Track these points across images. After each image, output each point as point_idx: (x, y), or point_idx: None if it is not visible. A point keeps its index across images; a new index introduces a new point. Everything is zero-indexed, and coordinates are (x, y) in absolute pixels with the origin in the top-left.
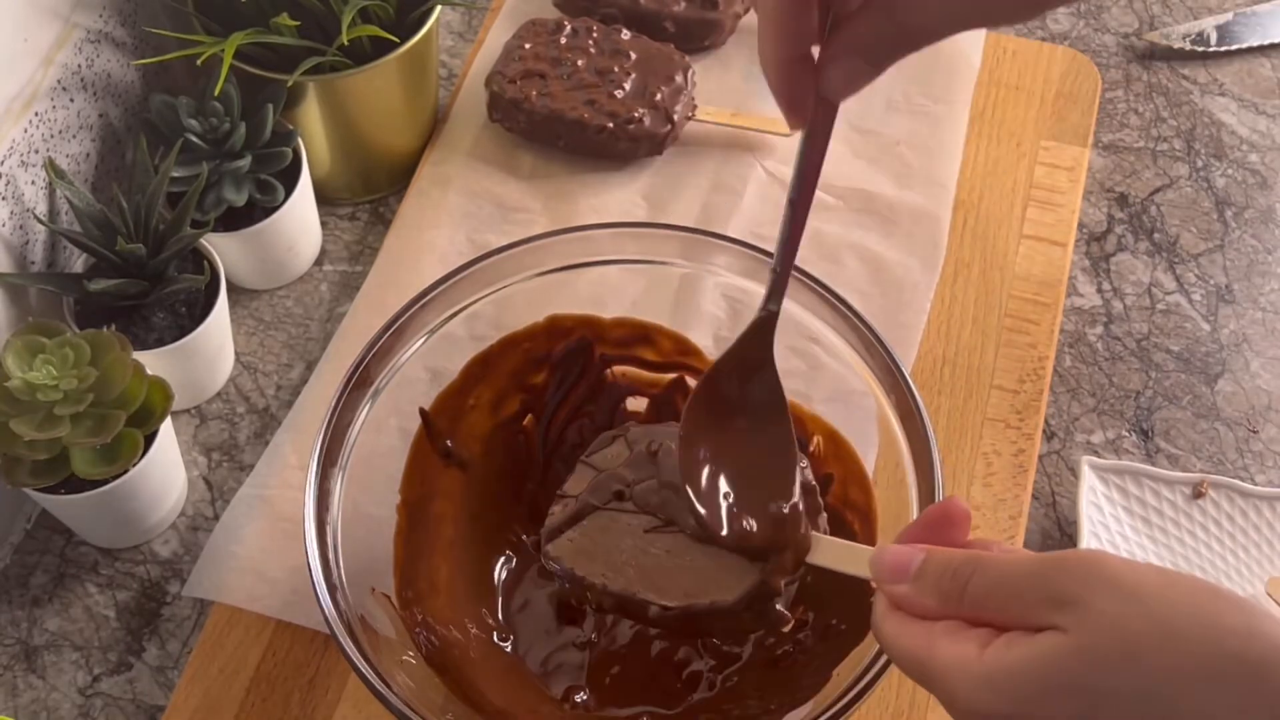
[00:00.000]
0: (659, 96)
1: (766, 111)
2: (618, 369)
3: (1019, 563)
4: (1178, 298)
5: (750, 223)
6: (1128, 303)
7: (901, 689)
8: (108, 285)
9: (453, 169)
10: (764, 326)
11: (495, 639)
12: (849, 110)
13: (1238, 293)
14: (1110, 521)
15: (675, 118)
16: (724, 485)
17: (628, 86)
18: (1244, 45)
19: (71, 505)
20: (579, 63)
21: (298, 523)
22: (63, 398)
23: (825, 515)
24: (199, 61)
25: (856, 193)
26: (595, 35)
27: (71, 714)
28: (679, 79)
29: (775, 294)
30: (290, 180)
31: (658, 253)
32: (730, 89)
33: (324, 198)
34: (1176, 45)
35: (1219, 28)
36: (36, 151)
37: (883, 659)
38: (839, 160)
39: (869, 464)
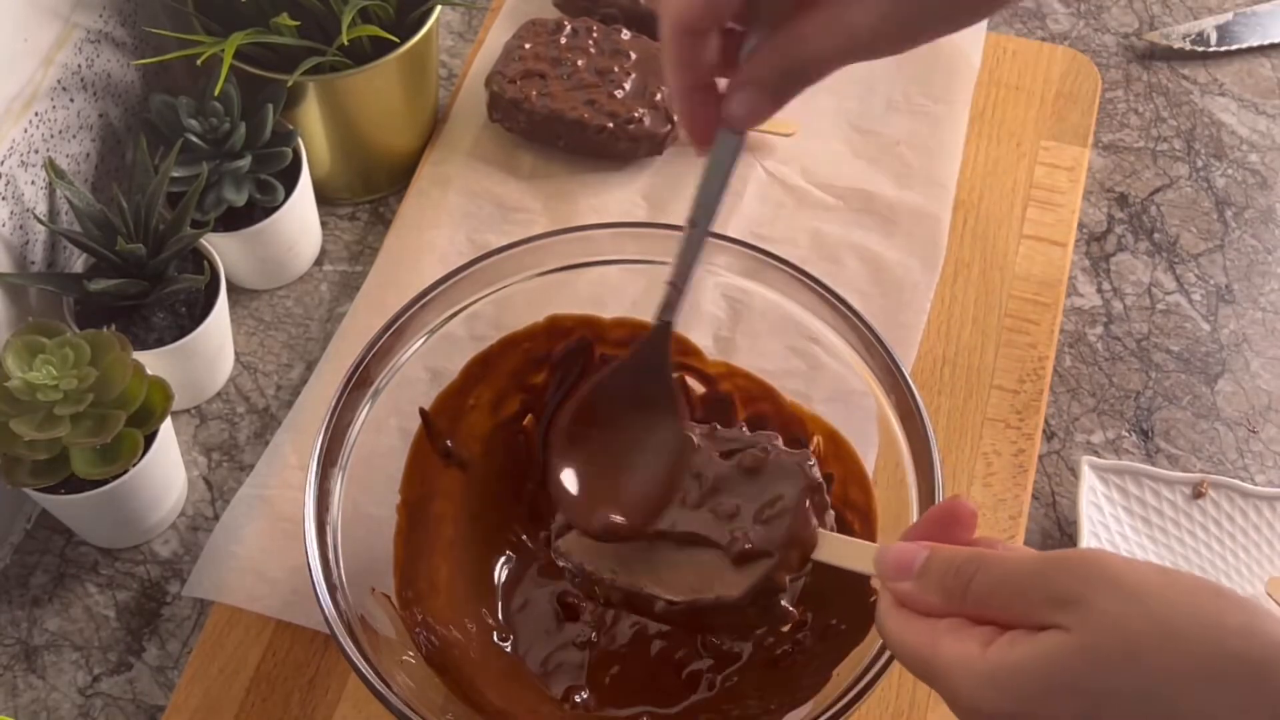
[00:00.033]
0: (659, 96)
1: None
2: None
3: (1022, 561)
4: (1178, 298)
5: (750, 223)
6: (1128, 303)
7: (901, 689)
8: (108, 285)
9: (453, 169)
10: (660, 336)
11: (495, 639)
12: (849, 110)
13: (1238, 293)
14: (1110, 521)
15: (675, 118)
16: (595, 482)
17: (628, 86)
18: (1244, 45)
19: (71, 505)
20: (579, 63)
21: (298, 523)
22: (63, 398)
23: (832, 512)
24: (199, 61)
25: (856, 193)
26: (595, 35)
27: (71, 714)
28: None
29: (668, 307)
30: (290, 180)
31: (658, 253)
32: None
33: (324, 198)
34: (1176, 45)
35: (1219, 28)
36: (36, 151)
37: (883, 659)
38: (839, 160)
39: (869, 464)
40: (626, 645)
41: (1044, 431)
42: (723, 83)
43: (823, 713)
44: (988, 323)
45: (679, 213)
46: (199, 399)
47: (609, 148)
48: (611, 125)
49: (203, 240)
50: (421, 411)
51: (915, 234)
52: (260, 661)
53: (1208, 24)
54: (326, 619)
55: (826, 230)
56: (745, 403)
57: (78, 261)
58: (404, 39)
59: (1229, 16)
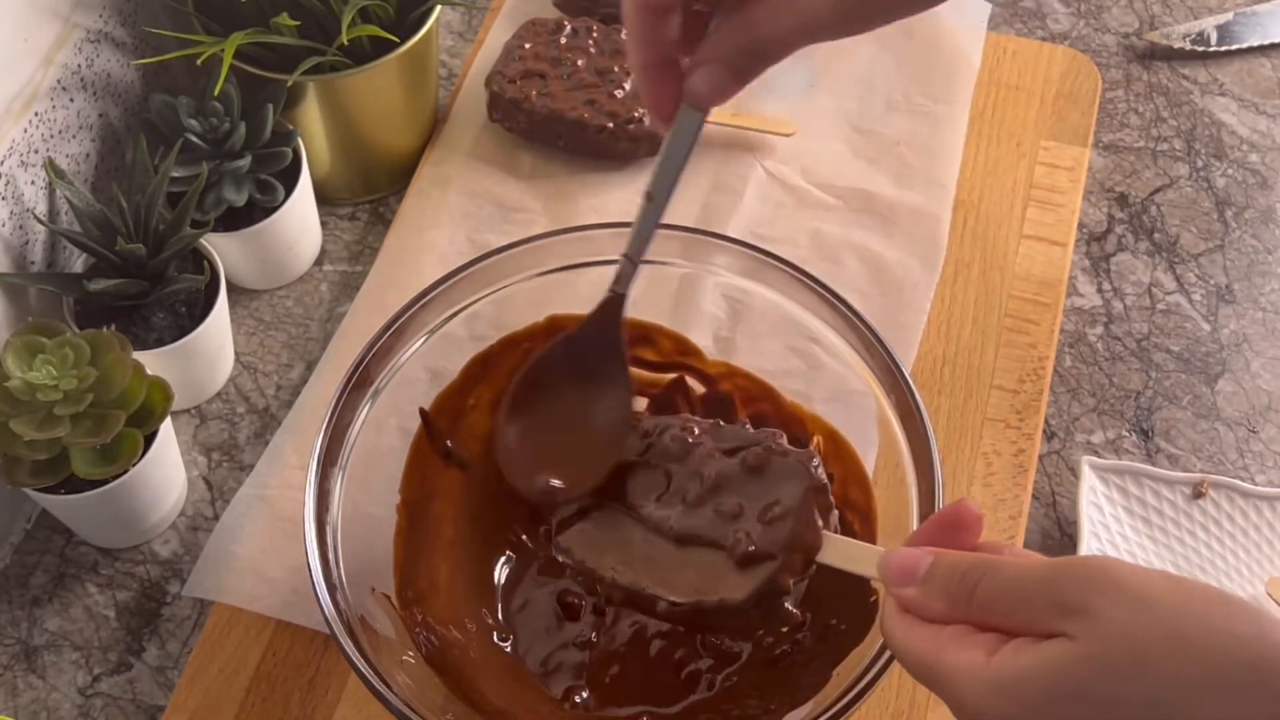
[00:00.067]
0: None
1: (766, 111)
2: None
3: (1028, 568)
4: (1178, 298)
5: (750, 223)
6: (1128, 303)
7: (901, 689)
8: (108, 285)
9: (453, 169)
10: (613, 306)
11: (495, 639)
12: (849, 110)
13: (1238, 293)
14: (1110, 521)
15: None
16: (538, 447)
17: (628, 86)
18: (1244, 45)
19: (71, 505)
20: (579, 63)
21: (298, 523)
22: (62, 398)
23: (836, 514)
24: (199, 61)
25: (856, 193)
26: (595, 35)
27: (71, 714)
28: None
29: (622, 279)
30: (290, 180)
31: (658, 253)
32: None
33: (324, 198)
34: (1176, 45)
35: (1219, 28)
36: (36, 151)
37: (883, 659)
38: (839, 160)
39: (869, 464)
40: (626, 645)
41: (1044, 431)
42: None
43: (823, 713)
44: (988, 323)
45: (679, 213)
46: (199, 399)
47: (609, 148)
48: (611, 125)
49: (203, 240)
50: (421, 411)
51: (915, 234)
52: (260, 661)
53: (1208, 24)
54: (326, 619)
55: (826, 230)
56: (745, 403)
57: (78, 261)
58: (404, 39)
59: (1229, 16)
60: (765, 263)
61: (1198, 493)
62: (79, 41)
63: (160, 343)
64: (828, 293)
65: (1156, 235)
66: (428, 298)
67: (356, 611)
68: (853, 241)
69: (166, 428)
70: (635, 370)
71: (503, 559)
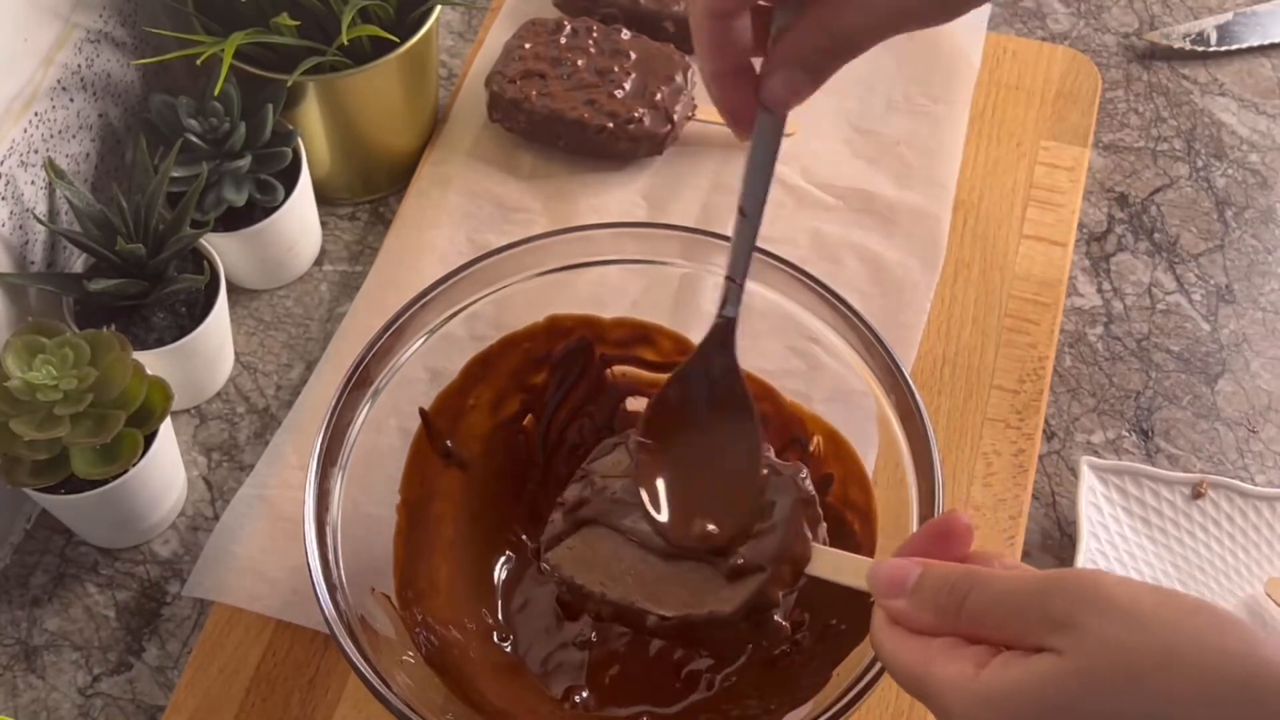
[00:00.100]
0: (659, 96)
1: None
2: (618, 369)
3: (1017, 580)
4: (1178, 298)
5: None
6: (1128, 303)
7: (901, 689)
8: (108, 285)
9: (453, 169)
10: (724, 331)
11: (495, 639)
12: (849, 110)
13: (1238, 293)
14: (1110, 522)
15: (675, 118)
16: (683, 492)
17: (628, 86)
18: (1244, 45)
19: (71, 505)
20: (579, 63)
21: (298, 523)
22: (62, 398)
23: (825, 525)
24: (199, 61)
25: (856, 193)
26: (595, 35)
27: (71, 714)
28: (679, 79)
29: (731, 300)
30: (290, 180)
31: (658, 253)
32: None
33: (324, 198)
34: (1176, 45)
35: (1219, 28)
36: (36, 151)
37: None
38: (839, 160)
39: (869, 464)
40: (626, 645)
41: (1044, 431)
42: (757, 62)
43: (823, 713)
44: (988, 323)
45: (679, 213)
46: (199, 399)
47: (609, 148)
48: (611, 125)
49: (202, 240)
50: (421, 411)
51: (915, 234)
52: (260, 661)
53: (1208, 24)
54: (326, 619)
55: (826, 230)
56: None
57: (78, 261)
58: (404, 39)
59: (1229, 16)
60: (765, 263)
61: (1197, 493)
62: (79, 41)
63: (160, 343)
64: (828, 293)
65: (1156, 235)
66: (428, 298)
67: (356, 611)
68: (853, 241)
69: (166, 428)
70: (634, 370)
71: (503, 559)
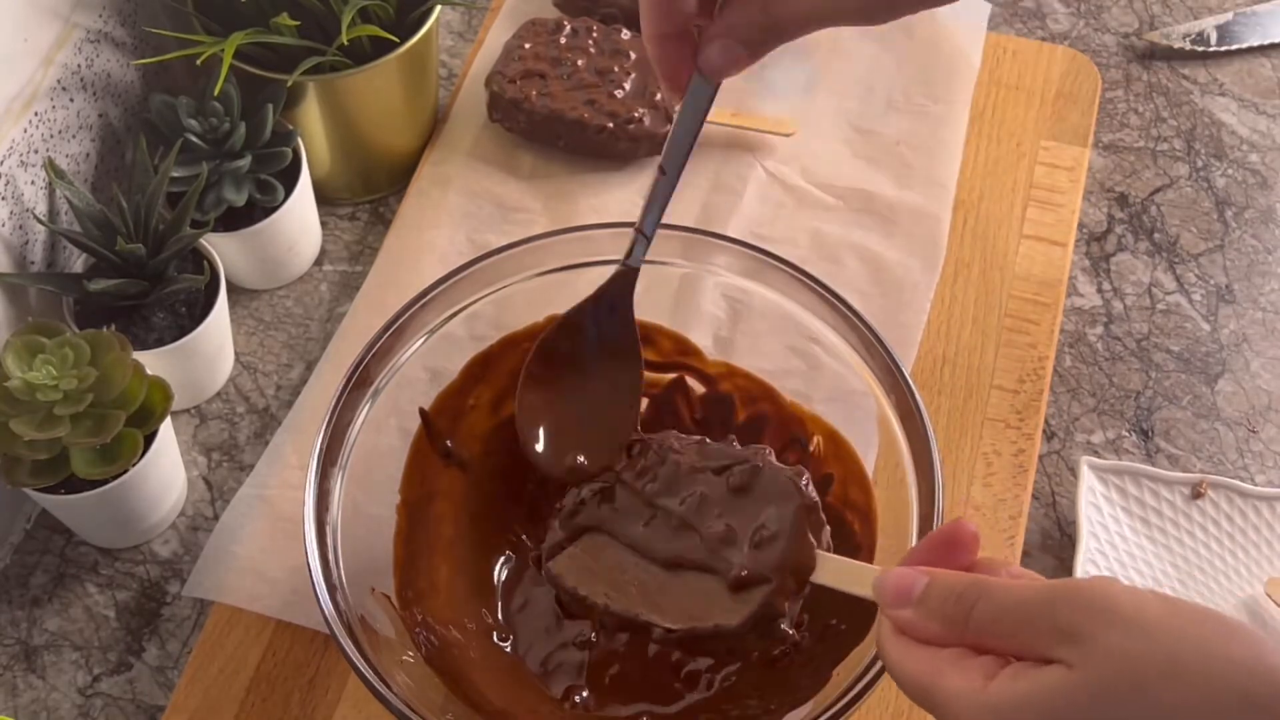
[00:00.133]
0: (659, 96)
1: (766, 111)
2: None
3: (1025, 590)
4: (1178, 298)
5: (750, 223)
6: (1128, 303)
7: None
8: (108, 285)
9: (453, 169)
10: (624, 279)
11: (495, 639)
12: (849, 110)
13: (1238, 293)
14: (1109, 522)
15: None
16: (561, 430)
17: (628, 86)
18: (1244, 45)
19: (71, 505)
20: (579, 63)
21: (298, 523)
22: (62, 398)
23: (828, 529)
24: (199, 61)
25: (856, 193)
26: (595, 35)
27: (71, 714)
28: None
29: (637, 251)
30: (290, 180)
31: (658, 253)
32: (730, 89)
33: (324, 198)
34: (1176, 45)
35: (1219, 28)
36: (36, 151)
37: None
38: (839, 160)
39: (869, 464)
40: (626, 645)
41: (1044, 431)
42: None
43: (823, 713)
44: (988, 323)
45: (679, 213)
46: (199, 399)
47: (609, 148)
48: (611, 125)
49: (202, 240)
50: (421, 411)
51: (915, 234)
52: (260, 661)
53: (1208, 24)
54: (326, 619)
55: (826, 230)
56: (745, 403)
57: (78, 261)
58: (404, 39)
59: (1229, 16)
60: (765, 263)
61: (1196, 493)
62: (79, 41)
63: (160, 343)
64: (828, 293)
65: (1156, 235)
66: (428, 298)
67: (356, 611)
68: (853, 241)
69: (166, 428)
70: None
71: (503, 559)
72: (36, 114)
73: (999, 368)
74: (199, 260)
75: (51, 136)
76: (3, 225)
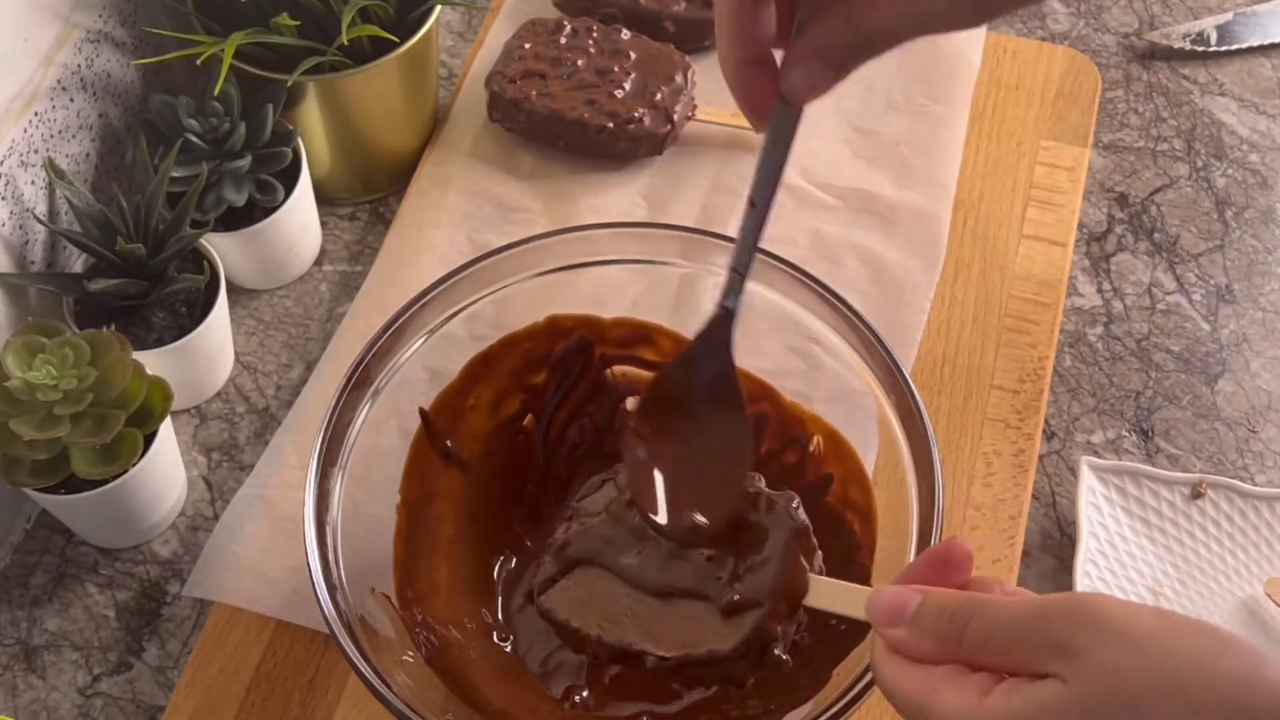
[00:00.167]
0: (659, 96)
1: None
2: (618, 369)
3: (1018, 607)
4: (1178, 298)
5: None
6: (1128, 303)
7: None
8: (108, 285)
9: (453, 169)
10: (723, 323)
11: (495, 639)
12: (849, 110)
13: (1238, 293)
14: (1109, 522)
15: (675, 118)
16: (674, 488)
17: (628, 86)
18: (1244, 45)
19: (71, 505)
20: (579, 63)
21: (298, 523)
22: (62, 398)
23: (820, 554)
24: (199, 61)
25: (856, 193)
26: (595, 35)
27: (71, 714)
28: (679, 79)
29: (733, 292)
30: (290, 180)
31: (658, 253)
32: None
33: (324, 198)
34: (1176, 45)
35: (1219, 28)
36: (36, 151)
37: None
38: (839, 160)
39: (869, 464)
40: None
41: (1044, 431)
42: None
43: (823, 713)
44: (988, 323)
45: (679, 213)
46: (199, 399)
47: (609, 148)
48: (611, 125)
49: (202, 240)
50: (421, 411)
51: (915, 234)
52: (260, 661)
53: (1208, 24)
54: (326, 619)
55: (826, 230)
56: (745, 403)
57: (78, 261)
58: (404, 39)
59: (1229, 16)
60: (765, 263)
61: (1196, 493)
62: (79, 41)
63: (160, 343)
64: (828, 293)
65: (1156, 235)
66: (428, 298)
67: (356, 611)
68: (853, 241)
69: (166, 428)
70: (634, 370)
71: (502, 559)
72: (36, 114)
73: (999, 368)
74: (199, 260)
75: (51, 136)
76: (3, 225)
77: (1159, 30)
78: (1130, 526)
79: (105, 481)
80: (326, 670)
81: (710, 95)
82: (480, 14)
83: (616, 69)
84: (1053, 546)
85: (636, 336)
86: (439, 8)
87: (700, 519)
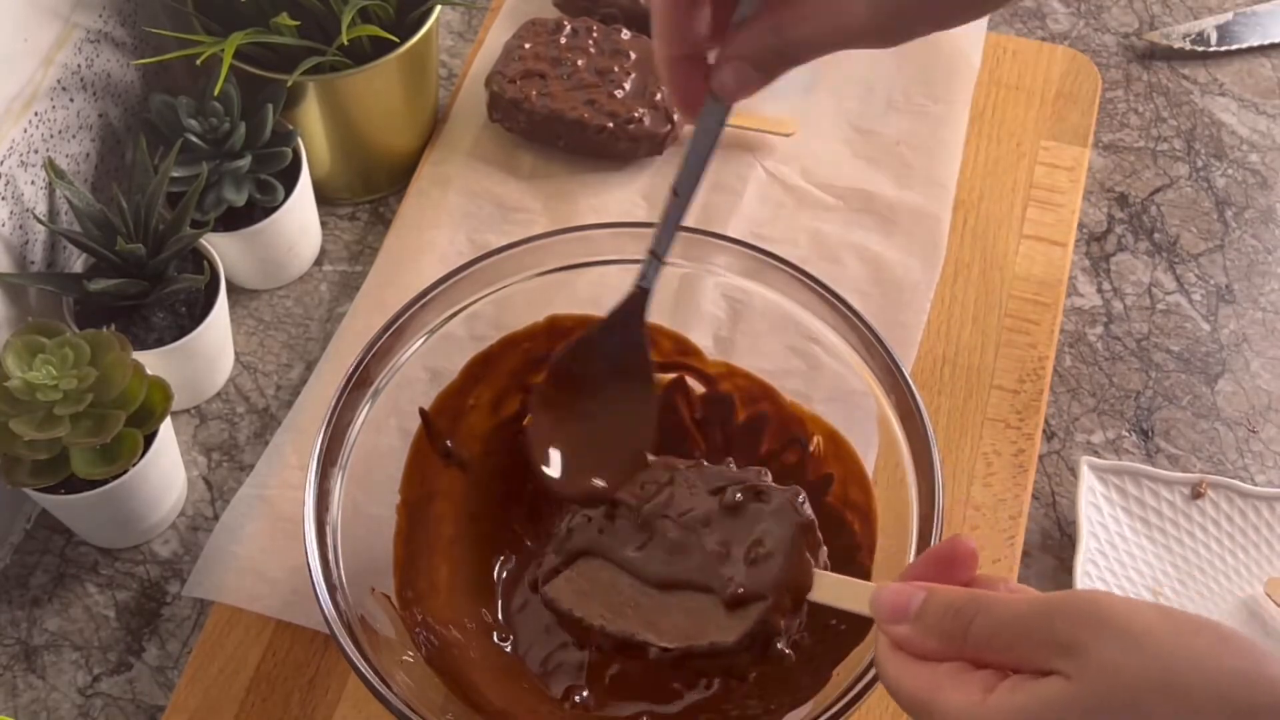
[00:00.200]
0: (659, 96)
1: (766, 111)
2: None
3: (1022, 604)
4: (1178, 298)
5: (750, 223)
6: (1128, 303)
7: None
8: (108, 285)
9: (453, 169)
10: (637, 301)
11: (495, 639)
12: (849, 110)
13: (1238, 293)
14: (1109, 522)
15: (675, 118)
16: (575, 450)
17: (628, 86)
18: (1244, 45)
19: (71, 505)
20: (579, 63)
21: (298, 523)
22: (62, 398)
23: (825, 550)
24: (199, 61)
25: (856, 193)
26: (595, 35)
27: (71, 714)
28: None
29: (647, 275)
30: (290, 180)
31: None
32: None
33: (324, 198)
34: (1176, 45)
35: (1219, 28)
36: (36, 151)
37: None
38: (839, 160)
39: (869, 464)
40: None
41: (1044, 431)
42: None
43: (823, 713)
44: (988, 323)
45: None
46: (199, 399)
47: (609, 148)
48: (611, 125)
49: (202, 240)
50: (421, 411)
51: (915, 234)
52: (260, 661)
53: (1208, 24)
54: (326, 619)
55: (826, 230)
56: (745, 403)
57: (78, 261)
58: (404, 39)
59: (1229, 16)
60: (765, 263)
61: (1196, 493)
62: (79, 41)
63: (160, 343)
64: (828, 293)
65: (1156, 235)
66: (428, 298)
67: (356, 611)
68: (853, 241)
69: (166, 428)
70: None
71: (502, 559)
72: (36, 114)
73: (999, 368)
74: (199, 260)
75: (51, 136)
76: (3, 225)
77: (1159, 30)
78: (1130, 526)
79: (105, 481)
80: (326, 670)
81: None
82: (480, 14)
83: (616, 69)
84: (1053, 546)
85: None
86: (439, 8)
87: (598, 482)
